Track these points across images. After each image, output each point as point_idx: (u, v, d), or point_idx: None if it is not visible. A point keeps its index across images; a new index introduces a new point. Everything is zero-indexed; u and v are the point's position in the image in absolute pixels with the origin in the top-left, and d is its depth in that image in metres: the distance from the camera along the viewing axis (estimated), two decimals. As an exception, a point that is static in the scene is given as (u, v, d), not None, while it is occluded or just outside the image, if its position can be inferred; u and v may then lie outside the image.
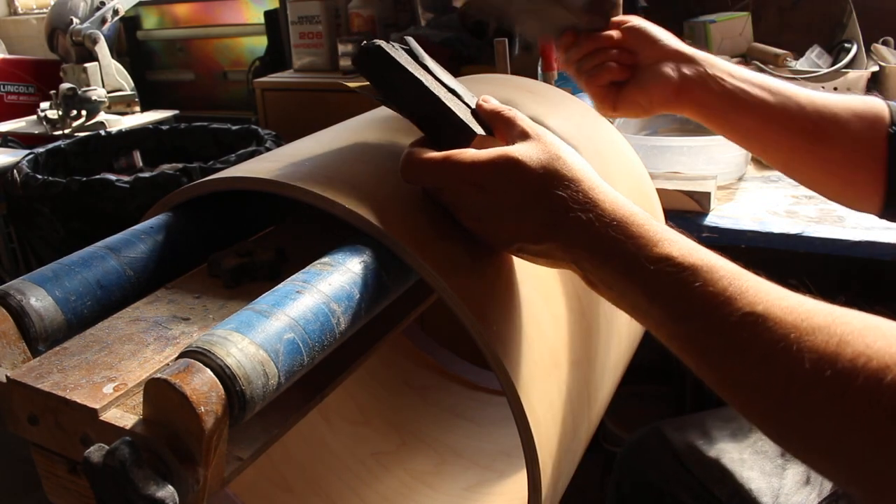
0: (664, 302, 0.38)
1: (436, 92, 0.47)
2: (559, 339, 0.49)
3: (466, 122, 0.46)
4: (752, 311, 0.36)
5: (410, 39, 0.51)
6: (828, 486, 0.71)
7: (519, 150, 0.43)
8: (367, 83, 0.48)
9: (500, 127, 0.47)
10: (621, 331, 0.61)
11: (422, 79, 0.47)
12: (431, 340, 0.89)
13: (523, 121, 0.46)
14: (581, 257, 0.41)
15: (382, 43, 0.47)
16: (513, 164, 0.42)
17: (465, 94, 0.49)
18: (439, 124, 0.47)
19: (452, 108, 0.46)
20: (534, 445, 0.44)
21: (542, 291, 0.49)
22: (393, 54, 0.47)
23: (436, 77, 0.49)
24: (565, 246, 0.42)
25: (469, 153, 0.44)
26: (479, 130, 0.46)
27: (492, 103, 0.48)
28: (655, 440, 0.83)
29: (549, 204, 0.42)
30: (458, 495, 0.73)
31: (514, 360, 0.43)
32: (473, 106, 0.49)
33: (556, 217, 0.41)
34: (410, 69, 0.47)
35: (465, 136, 0.46)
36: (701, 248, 0.39)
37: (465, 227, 0.46)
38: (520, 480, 0.72)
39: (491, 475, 0.75)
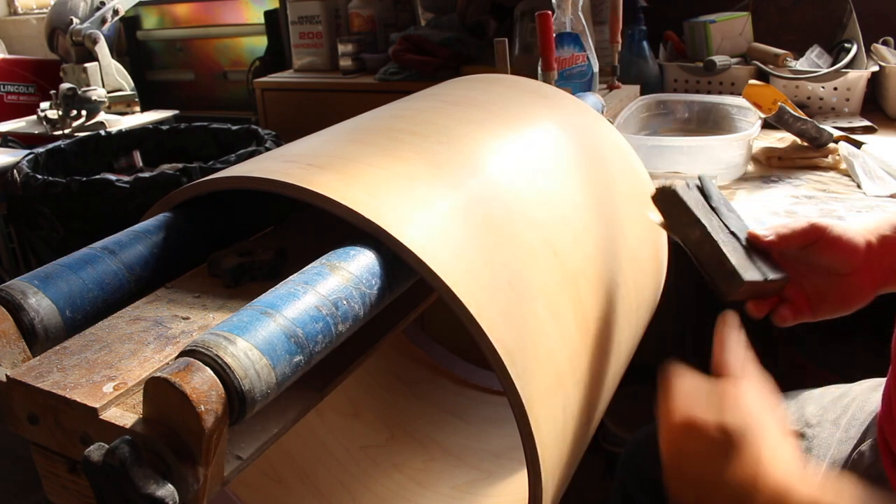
0: None
1: (714, 237, 0.53)
2: (566, 358, 0.49)
3: (738, 268, 0.52)
4: None
5: (706, 178, 0.58)
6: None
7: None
8: (660, 215, 0.57)
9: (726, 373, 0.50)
10: (622, 346, 0.61)
11: (705, 223, 0.54)
12: (424, 335, 0.89)
13: (733, 412, 0.48)
14: None
15: (678, 186, 0.55)
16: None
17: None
18: (713, 266, 0.53)
19: (727, 253, 0.52)
20: (538, 463, 0.44)
21: (552, 309, 0.49)
22: (684, 197, 0.55)
23: (720, 217, 0.55)
24: None
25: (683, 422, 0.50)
26: (747, 277, 0.52)
27: (730, 355, 0.50)
28: (659, 439, 0.83)
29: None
30: (447, 494, 0.73)
31: (523, 380, 0.43)
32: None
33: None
34: (697, 212, 0.54)
35: (734, 283, 0.52)
36: None
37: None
38: (509, 483, 0.72)
39: (480, 475, 0.75)
